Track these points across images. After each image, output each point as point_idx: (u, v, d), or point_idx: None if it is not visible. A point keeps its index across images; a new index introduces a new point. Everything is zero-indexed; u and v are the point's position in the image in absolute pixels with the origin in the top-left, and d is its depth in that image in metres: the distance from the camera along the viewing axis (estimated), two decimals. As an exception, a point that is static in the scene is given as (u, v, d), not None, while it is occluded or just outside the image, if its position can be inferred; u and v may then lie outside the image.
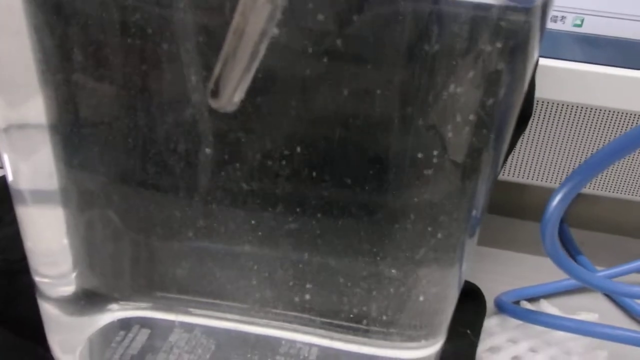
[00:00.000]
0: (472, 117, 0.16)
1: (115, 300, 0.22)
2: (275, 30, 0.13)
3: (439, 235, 0.18)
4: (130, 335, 0.23)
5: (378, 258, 0.19)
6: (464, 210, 0.18)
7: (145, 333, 0.23)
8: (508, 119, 0.17)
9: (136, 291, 0.22)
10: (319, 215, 0.18)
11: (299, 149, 0.17)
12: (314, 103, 0.16)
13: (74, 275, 0.22)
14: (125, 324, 0.23)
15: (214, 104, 0.14)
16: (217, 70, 0.14)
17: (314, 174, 0.17)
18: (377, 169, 0.17)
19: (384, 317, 0.20)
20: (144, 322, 0.23)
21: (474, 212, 0.18)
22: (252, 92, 0.15)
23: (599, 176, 0.33)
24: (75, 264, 0.21)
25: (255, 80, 0.14)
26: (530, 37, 0.16)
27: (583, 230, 0.41)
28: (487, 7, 0.15)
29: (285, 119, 0.17)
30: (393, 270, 0.19)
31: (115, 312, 0.23)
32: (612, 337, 0.24)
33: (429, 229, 0.18)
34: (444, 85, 0.15)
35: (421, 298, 0.20)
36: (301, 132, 0.17)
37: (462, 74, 0.15)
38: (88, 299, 0.22)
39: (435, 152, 0.17)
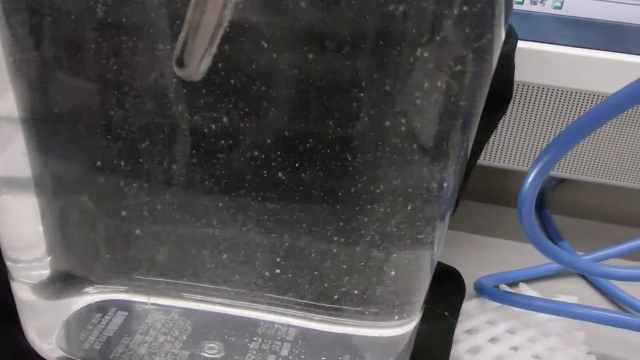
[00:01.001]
0: (436, 98, 0.16)
1: (92, 283, 0.22)
2: (240, -4, 0.13)
3: (410, 216, 0.18)
4: (107, 317, 0.23)
5: (350, 239, 0.19)
6: (433, 192, 0.18)
7: (121, 315, 0.23)
8: (475, 101, 0.17)
9: (112, 274, 0.22)
10: (291, 197, 0.18)
11: (271, 134, 0.17)
12: (282, 86, 0.16)
13: (48, 259, 0.22)
14: (101, 307, 0.23)
15: (180, 72, 0.14)
16: (182, 37, 0.13)
17: (285, 156, 0.17)
18: (347, 150, 0.17)
19: (358, 297, 0.20)
20: (120, 305, 0.23)
21: (444, 193, 0.18)
22: (223, 72, 0.15)
23: (582, 161, 0.33)
24: (49, 248, 0.21)
25: (224, 60, 0.14)
26: (493, 16, 0.16)
27: (565, 216, 0.41)
28: None
29: (256, 103, 0.17)
30: (365, 251, 0.19)
31: (92, 295, 0.23)
32: (589, 318, 0.24)
33: (399, 210, 0.18)
34: (407, 65, 0.15)
35: (393, 277, 0.20)
36: (273, 117, 0.17)
37: (424, 52, 0.15)
38: (64, 282, 0.22)
39: (402, 134, 0.17)
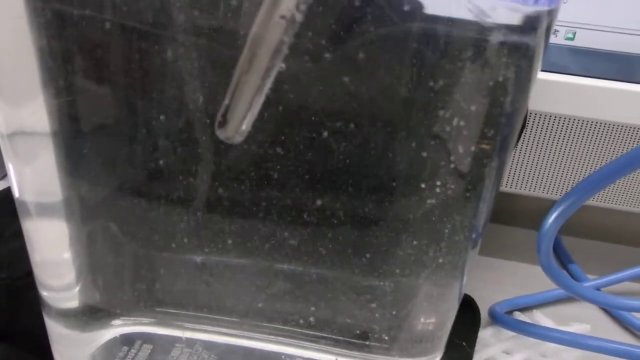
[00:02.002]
0: (477, 132, 0.17)
1: (118, 315, 0.23)
2: (282, 65, 0.14)
3: (443, 249, 0.18)
4: (133, 350, 0.23)
5: (380, 273, 0.19)
6: (467, 224, 0.18)
7: (147, 349, 0.23)
8: (511, 133, 0.18)
9: (138, 306, 0.22)
10: (321, 231, 0.18)
11: (304, 166, 0.17)
12: (317, 117, 0.16)
13: (77, 289, 0.22)
14: (127, 340, 0.23)
15: (221, 134, 0.14)
16: (226, 102, 0.14)
17: (317, 189, 0.17)
18: (382, 183, 0.17)
19: (385, 333, 0.20)
20: (146, 338, 0.23)
21: (477, 225, 0.19)
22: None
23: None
24: (78, 277, 0.22)
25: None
26: (534, 55, 0.16)
27: (575, 237, 0.42)
28: (495, 29, 0.15)
29: (286, 135, 0.17)
30: (394, 285, 0.19)
31: (118, 328, 0.23)
32: (604, 350, 0.25)
33: (433, 243, 0.18)
34: (452, 100, 0.16)
35: (422, 313, 0.20)
36: (306, 147, 0.17)
37: (470, 89, 0.16)
38: (91, 315, 0.23)
39: (439, 167, 0.17)
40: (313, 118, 0.16)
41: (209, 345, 0.23)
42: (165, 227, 0.20)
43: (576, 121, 0.32)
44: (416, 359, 0.21)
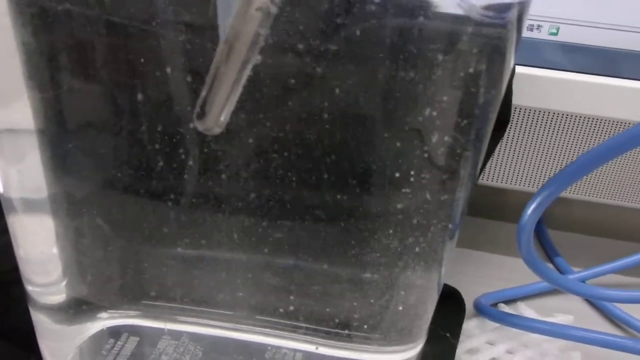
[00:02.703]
0: (451, 124, 0.17)
1: (104, 308, 0.23)
2: (258, 57, 0.14)
3: (420, 240, 0.19)
4: (120, 343, 0.23)
5: (357, 263, 0.19)
6: (444, 214, 0.19)
7: (134, 341, 0.23)
8: (486, 125, 0.18)
9: (125, 299, 0.23)
10: (301, 222, 0.18)
11: (282, 157, 0.17)
12: (296, 110, 0.17)
13: (64, 283, 0.22)
14: (114, 332, 0.23)
15: (200, 126, 0.15)
16: (203, 93, 0.14)
17: (297, 181, 0.18)
18: (357, 175, 0.17)
19: (365, 322, 0.20)
20: (132, 330, 0.23)
21: (453, 216, 0.19)
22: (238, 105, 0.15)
23: (579, 181, 0.34)
24: (65, 272, 0.22)
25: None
26: (505, 47, 0.16)
27: (561, 231, 0.42)
28: (464, 20, 0.15)
29: (269, 129, 0.17)
30: (374, 275, 0.19)
31: (105, 321, 0.23)
32: (585, 340, 0.25)
33: (410, 233, 0.18)
34: (424, 91, 0.16)
35: (402, 302, 0.20)
36: (286, 140, 0.17)
37: (441, 82, 0.16)
38: (78, 308, 0.23)
39: (415, 158, 0.17)
40: (286, 111, 0.16)
41: (195, 337, 0.23)
42: (150, 221, 0.20)
43: (561, 116, 0.32)
44: (397, 347, 0.21)
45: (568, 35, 0.31)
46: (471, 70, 0.16)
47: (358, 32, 0.15)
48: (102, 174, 0.19)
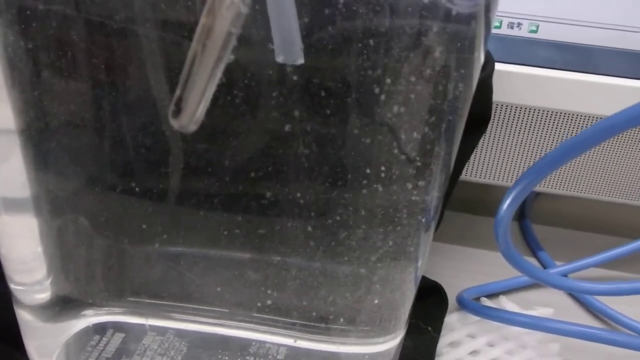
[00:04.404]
0: (418, 118, 0.17)
1: (90, 305, 0.23)
2: (231, 56, 0.14)
3: (394, 233, 0.19)
4: (105, 339, 0.23)
5: (334, 257, 0.19)
6: (417, 208, 0.19)
7: (119, 337, 0.23)
8: (456, 119, 0.18)
9: (110, 296, 0.23)
10: (279, 218, 0.19)
11: (254, 154, 0.18)
12: (266, 103, 0.17)
13: (48, 281, 0.22)
14: (100, 329, 0.23)
15: (175, 124, 0.15)
16: (177, 92, 0.15)
17: (268, 177, 0.18)
18: (329, 170, 0.18)
19: (344, 315, 0.21)
20: (118, 327, 0.23)
21: (427, 209, 0.19)
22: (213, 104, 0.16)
23: (562, 176, 0.35)
24: (49, 270, 0.22)
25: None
26: (473, 40, 0.17)
27: (546, 226, 0.43)
28: (429, 10, 0.16)
29: (242, 126, 0.17)
30: (350, 269, 0.20)
31: (90, 318, 0.23)
32: (563, 332, 0.26)
33: (384, 227, 0.19)
34: (391, 85, 0.16)
35: (378, 294, 0.20)
36: (256, 137, 0.17)
37: (406, 76, 0.16)
38: (63, 305, 0.23)
39: (385, 153, 0.17)
40: (256, 108, 0.17)
41: (180, 333, 0.23)
42: (132, 218, 0.20)
43: (542, 112, 0.32)
44: (375, 339, 0.22)
45: (547, 32, 0.32)
46: (437, 63, 0.16)
47: (325, 26, 0.15)
48: (83, 173, 0.19)
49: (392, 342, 0.22)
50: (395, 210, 0.18)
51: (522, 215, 0.43)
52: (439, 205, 0.20)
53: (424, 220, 0.19)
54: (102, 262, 0.22)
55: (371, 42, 0.15)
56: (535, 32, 0.32)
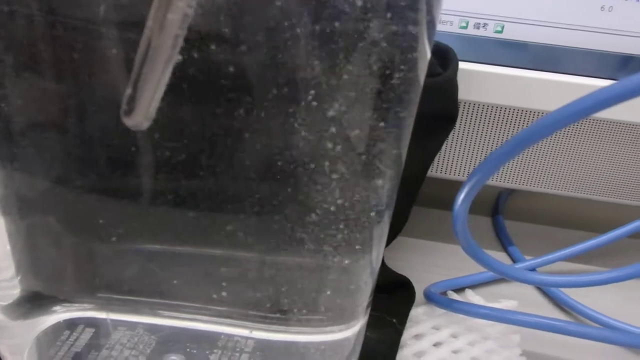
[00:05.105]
0: (362, 113, 0.17)
1: (60, 302, 0.23)
2: (178, 57, 0.15)
3: (345, 226, 0.19)
4: (75, 334, 0.24)
5: (291, 250, 0.20)
6: (368, 200, 0.19)
7: (89, 332, 0.24)
8: (405, 111, 0.18)
9: (80, 293, 0.23)
10: (233, 212, 0.19)
11: (202, 150, 0.18)
12: (210, 98, 0.17)
13: (17, 280, 0.23)
14: (70, 325, 0.24)
15: (128, 122, 0.15)
16: (128, 90, 0.15)
17: (218, 173, 0.18)
18: (275, 164, 0.18)
19: (302, 305, 0.21)
20: (88, 322, 0.24)
21: (379, 201, 0.20)
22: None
23: (533, 174, 0.35)
24: (18, 269, 0.22)
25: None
26: (416, 34, 0.17)
27: (518, 222, 0.43)
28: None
29: (190, 120, 0.18)
30: (304, 261, 0.20)
31: (61, 314, 0.24)
32: (524, 323, 0.26)
33: (334, 219, 0.19)
34: (332, 78, 0.17)
35: (332, 286, 0.21)
36: (206, 131, 0.18)
37: (348, 69, 0.17)
38: (33, 303, 0.23)
39: (329, 147, 0.18)
40: (198, 104, 0.17)
41: (150, 328, 0.24)
42: (99, 216, 0.20)
43: (506, 110, 0.33)
44: (330, 328, 0.22)
45: (512, 32, 0.33)
46: (378, 57, 0.17)
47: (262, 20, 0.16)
48: (51, 171, 0.20)
49: (351, 330, 0.23)
50: (345, 204, 0.19)
51: (495, 212, 0.44)
52: (391, 199, 0.20)
53: (374, 213, 0.20)
54: (71, 259, 0.22)
55: (307, 34, 0.16)
56: (500, 32, 0.33)
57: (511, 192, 0.46)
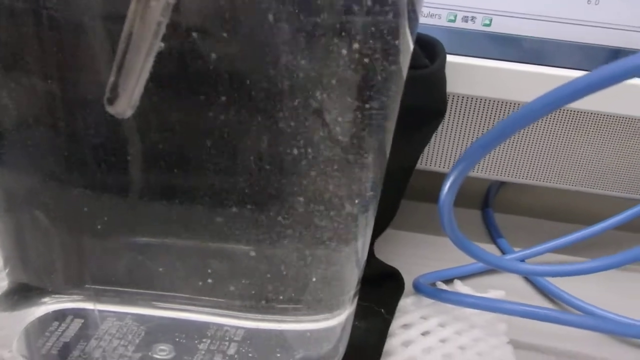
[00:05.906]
0: (344, 103, 0.18)
1: (49, 293, 0.23)
2: (161, 44, 0.15)
3: (330, 217, 0.20)
4: (64, 325, 0.24)
5: (272, 239, 0.20)
6: (352, 190, 0.20)
7: (78, 322, 0.24)
8: (388, 101, 0.19)
9: (69, 284, 0.23)
10: (219, 203, 0.19)
11: (185, 141, 0.18)
12: (191, 94, 0.17)
13: (6, 272, 0.23)
14: (59, 316, 0.24)
15: (111, 110, 0.16)
16: (112, 78, 0.15)
17: (215, 164, 0.19)
18: (261, 152, 0.18)
19: (290, 294, 0.22)
20: (77, 313, 0.24)
21: (363, 191, 0.20)
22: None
23: (522, 166, 0.36)
24: (6, 261, 0.23)
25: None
26: (397, 25, 0.17)
27: (507, 214, 0.44)
28: None
29: (171, 113, 0.18)
30: (289, 249, 0.20)
31: (49, 305, 0.24)
32: (510, 312, 0.27)
33: (318, 208, 0.20)
34: (314, 72, 0.17)
35: (317, 275, 0.21)
36: (191, 124, 0.18)
37: (328, 59, 0.17)
38: (21, 294, 0.23)
39: (313, 137, 0.18)
40: (182, 94, 0.17)
41: (138, 318, 0.24)
42: (87, 209, 0.21)
43: (494, 102, 0.34)
44: (316, 316, 0.22)
45: (500, 26, 0.33)
46: (359, 48, 0.17)
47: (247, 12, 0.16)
48: (37, 165, 0.20)
49: (337, 319, 0.23)
50: (329, 194, 0.19)
51: (485, 205, 0.44)
52: (376, 189, 0.20)
53: (358, 203, 0.20)
54: (59, 251, 0.22)
55: (287, 25, 0.16)
56: (488, 25, 0.33)
57: (501, 185, 0.47)
